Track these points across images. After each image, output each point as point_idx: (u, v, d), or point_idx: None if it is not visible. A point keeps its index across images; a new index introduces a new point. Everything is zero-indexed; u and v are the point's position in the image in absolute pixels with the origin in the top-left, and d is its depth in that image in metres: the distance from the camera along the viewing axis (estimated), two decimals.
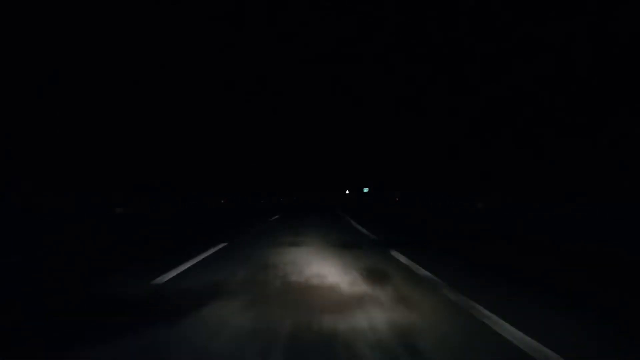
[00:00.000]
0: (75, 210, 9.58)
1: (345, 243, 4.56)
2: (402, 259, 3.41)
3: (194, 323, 1.79)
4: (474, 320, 1.81)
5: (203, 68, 21.07)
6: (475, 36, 8.66)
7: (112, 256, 3.78)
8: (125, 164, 13.92)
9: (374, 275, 2.77)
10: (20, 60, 10.05)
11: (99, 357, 1.46)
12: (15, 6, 9.96)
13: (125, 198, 12.23)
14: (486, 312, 1.90)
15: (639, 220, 4.95)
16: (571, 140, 7.75)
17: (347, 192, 63.07)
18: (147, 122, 15.06)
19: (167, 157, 17.21)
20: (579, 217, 6.18)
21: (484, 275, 2.80)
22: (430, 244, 4.45)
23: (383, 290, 2.36)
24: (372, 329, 1.70)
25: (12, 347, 1.61)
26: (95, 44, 12.23)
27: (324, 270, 2.97)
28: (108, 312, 2.00)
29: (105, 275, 2.88)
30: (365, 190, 40.91)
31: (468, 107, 10.00)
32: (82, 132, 12.02)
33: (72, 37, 11.39)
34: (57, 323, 1.85)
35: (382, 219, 8.41)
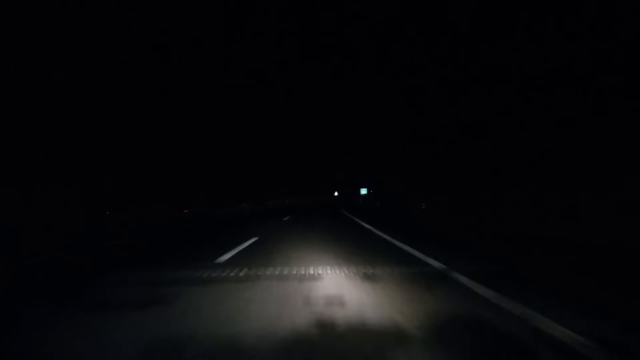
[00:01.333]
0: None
1: None
2: None
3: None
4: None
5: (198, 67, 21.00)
6: (476, 36, 8.66)
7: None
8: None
9: None
10: (23, 61, 9.97)
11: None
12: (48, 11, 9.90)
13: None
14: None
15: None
16: (572, 142, 7.75)
17: (336, 193, 54.15)
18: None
19: (164, 160, 17.09)
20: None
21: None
22: None
23: None
24: None
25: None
26: (91, 43, 12.17)
27: None
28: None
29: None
30: (363, 191, 33.84)
31: (468, 106, 10.01)
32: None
33: (69, 37, 11.32)
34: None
35: None
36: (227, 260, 3.69)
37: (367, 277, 2.70)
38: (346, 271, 2.95)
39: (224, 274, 2.98)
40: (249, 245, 4.85)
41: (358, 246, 4.45)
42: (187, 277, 2.94)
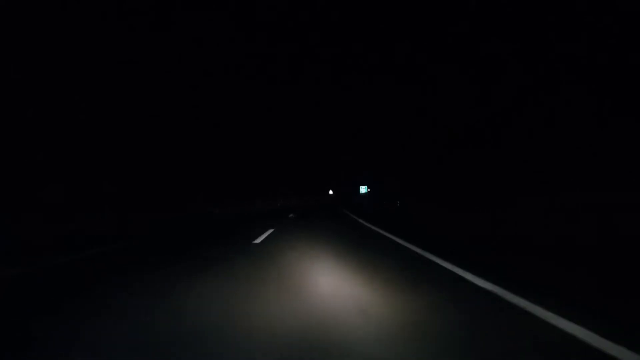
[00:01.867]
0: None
1: None
2: None
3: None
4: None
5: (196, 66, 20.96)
6: (478, 36, 8.69)
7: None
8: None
9: None
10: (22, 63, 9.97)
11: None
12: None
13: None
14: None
15: None
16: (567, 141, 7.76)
17: (331, 192, 52.03)
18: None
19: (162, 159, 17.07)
20: None
21: None
22: None
23: None
24: None
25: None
26: (91, 43, 12.16)
27: None
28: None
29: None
30: (363, 190, 30.83)
31: (467, 105, 10.02)
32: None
33: (69, 37, 11.31)
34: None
35: None
36: None
37: None
38: None
39: None
40: None
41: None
42: None
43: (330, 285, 2.63)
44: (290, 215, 12.55)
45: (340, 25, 21.41)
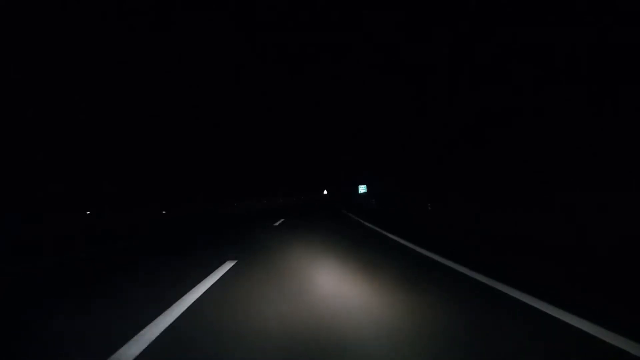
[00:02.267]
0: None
1: None
2: None
3: None
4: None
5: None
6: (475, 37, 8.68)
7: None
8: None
9: None
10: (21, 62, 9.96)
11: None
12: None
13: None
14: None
15: None
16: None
17: (325, 192, 51.98)
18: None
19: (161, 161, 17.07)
20: None
21: None
22: None
23: None
24: None
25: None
26: (91, 43, 12.15)
27: None
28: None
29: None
30: (362, 189, 29.49)
31: (464, 106, 10.00)
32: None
33: (69, 37, 11.30)
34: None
35: None
36: None
37: None
38: None
39: None
40: None
41: None
42: None
43: None
44: (278, 223, 8.96)
45: (340, 25, 21.40)
